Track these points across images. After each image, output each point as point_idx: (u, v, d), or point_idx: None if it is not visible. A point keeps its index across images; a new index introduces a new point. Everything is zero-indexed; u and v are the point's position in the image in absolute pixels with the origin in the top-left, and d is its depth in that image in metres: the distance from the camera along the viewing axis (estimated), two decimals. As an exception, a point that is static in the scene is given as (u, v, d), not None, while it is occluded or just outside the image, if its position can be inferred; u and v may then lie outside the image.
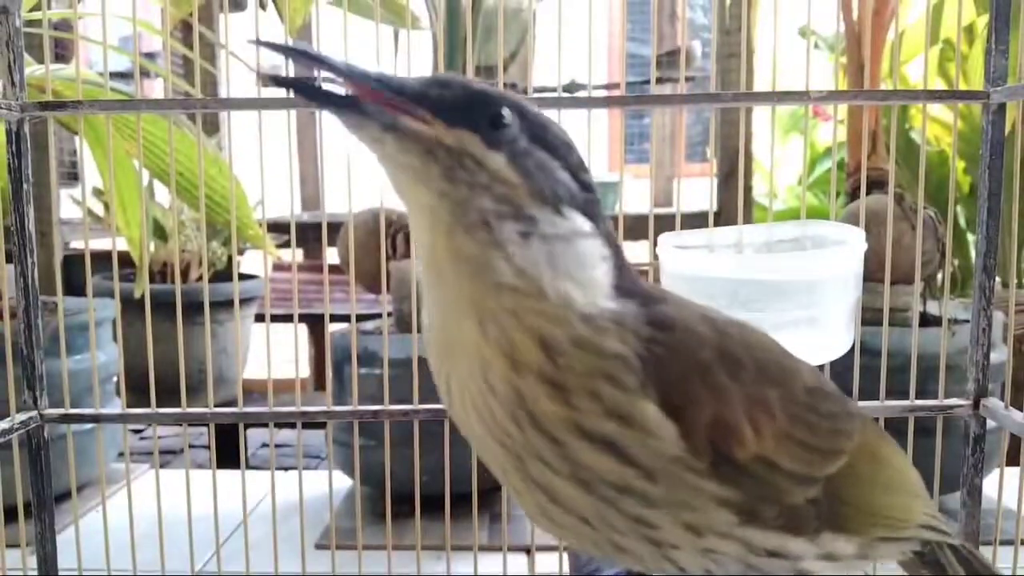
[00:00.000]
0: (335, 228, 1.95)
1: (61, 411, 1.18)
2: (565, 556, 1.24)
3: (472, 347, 0.46)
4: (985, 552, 1.16)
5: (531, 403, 0.45)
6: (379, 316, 2.12)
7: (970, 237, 2.92)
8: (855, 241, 0.96)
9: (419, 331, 1.25)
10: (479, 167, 0.45)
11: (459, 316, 0.46)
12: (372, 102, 0.44)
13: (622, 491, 0.46)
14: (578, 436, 0.45)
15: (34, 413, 1.16)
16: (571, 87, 2.77)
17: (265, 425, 1.24)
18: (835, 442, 0.53)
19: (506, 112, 0.46)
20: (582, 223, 0.48)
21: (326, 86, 0.45)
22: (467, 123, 0.45)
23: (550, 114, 1.25)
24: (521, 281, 0.45)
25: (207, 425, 1.24)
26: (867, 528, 0.54)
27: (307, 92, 0.45)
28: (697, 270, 0.92)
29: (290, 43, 0.46)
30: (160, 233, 2.90)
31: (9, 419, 1.13)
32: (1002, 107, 1.12)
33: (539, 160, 0.47)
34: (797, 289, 0.91)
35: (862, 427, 0.56)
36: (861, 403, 1.17)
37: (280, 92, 1.26)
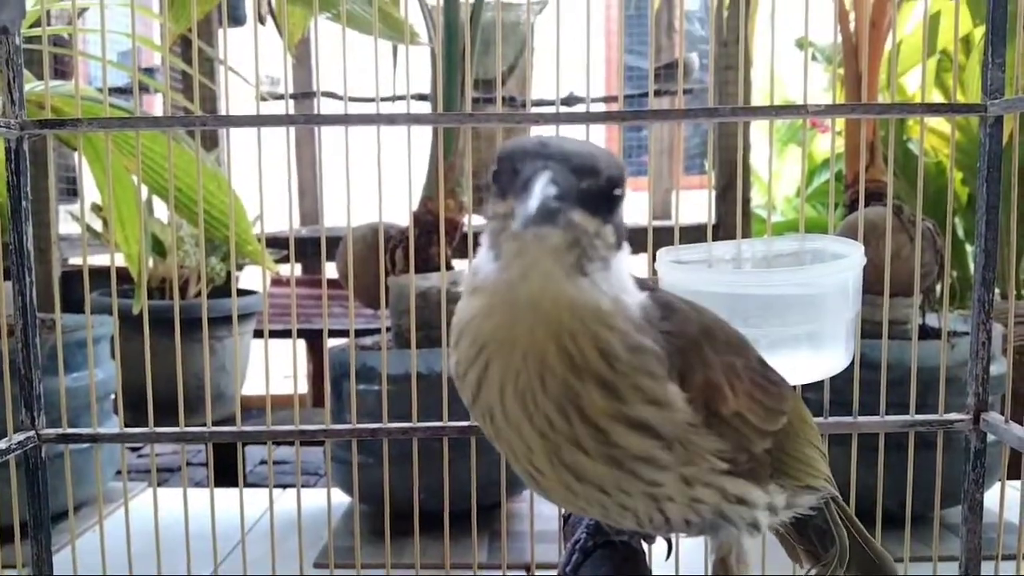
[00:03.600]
0: (334, 243, 1.95)
1: (59, 431, 1.18)
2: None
3: (536, 347, 0.52)
4: (987, 567, 1.16)
5: (584, 400, 0.53)
6: (378, 331, 2.12)
7: (969, 248, 2.91)
8: (854, 255, 0.95)
9: (418, 346, 1.25)
10: (599, 242, 0.52)
11: (533, 318, 0.52)
12: (563, 210, 0.49)
13: (644, 461, 0.55)
14: (621, 424, 0.53)
15: (31, 433, 1.15)
16: (569, 100, 2.78)
17: (264, 442, 1.23)
18: (780, 403, 0.64)
19: (619, 191, 0.53)
20: (626, 248, 0.56)
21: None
22: (599, 209, 0.51)
23: (548, 131, 1.25)
24: (604, 305, 0.52)
25: (205, 443, 1.24)
26: (800, 475, 0.65)
27: None
28: (696, 285, 0.91)
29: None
30: (159, 249, 2.90)
31: (6, 439, 1.12)
32: (999, 119, 1.12)
33: (619, 216, 0.54)
34: (797, 304, 0.90)
35: (791, 393, 0.67)
36: (862, 418, 1.17)
37: (279, 108, 1.26)
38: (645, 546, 0.74)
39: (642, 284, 0.58)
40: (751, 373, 0.62)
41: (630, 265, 0.57)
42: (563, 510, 0.82)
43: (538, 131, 1.24)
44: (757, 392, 0.61)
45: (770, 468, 0.62)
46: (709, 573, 0.65)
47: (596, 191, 0.51)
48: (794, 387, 0.71)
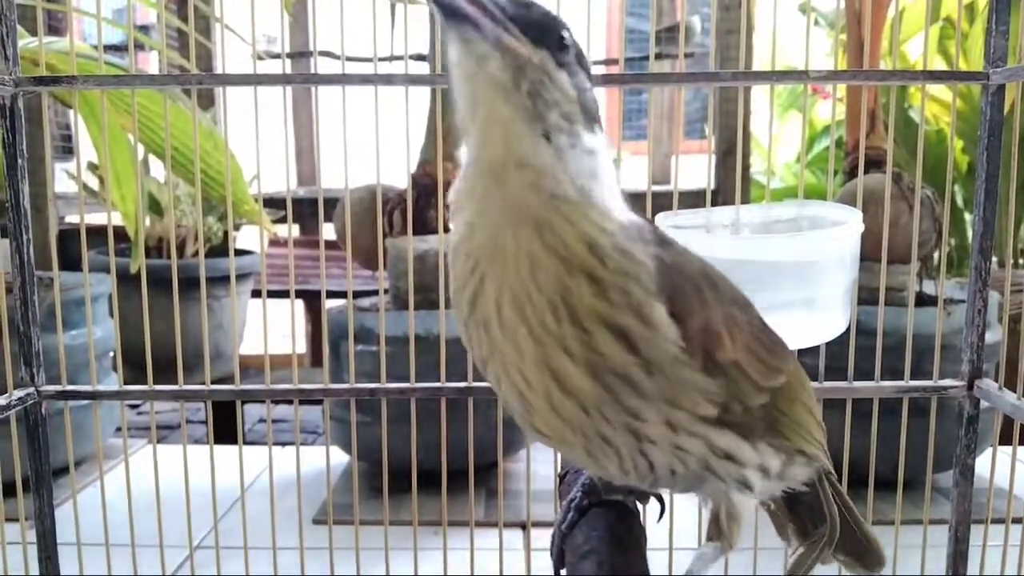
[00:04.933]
0: (332, 204, 1.94)
1: (58, 388, 1.18)
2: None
3: (523, 250, 0.53)
4: (977, 531, 1.18)
5: (576, 298, 0.53)
6: (376, 293, 2.12)
7: (967, 216, 2.91)
8: (852, 222, 0.95)
9: (416, 308, 1.25)
10: (552, 85, 0.52)
11: (513, 222, 0.52)
12: (486, 19, 0.49)
13: (623, 380, 0.54)
14: (604, 327, 0.53)
15: (31, 390, 1.16)
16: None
17: (262, 401, 1.24)
18: (779, 362, 0.64)
19: (567, 35, 0.53)
20: (605, 138, 0.56)
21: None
22: (544, 43, 0.51)
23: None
24: (575, 191, 0.52)
25: (205, 401, 1.24)
26: (794, 436, 0.65)
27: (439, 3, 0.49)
28: (694, 250, 0.91)
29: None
30: (155, 208, 2.89)
31: (7, 395, 1.13)
32: (1001, 88, 1.11)
33: (582, 80, 0.54)
34: (794, 270, 0.91)
35: (792, 358, 0.67)
36: (856, 384, 1.18)
37: (276, 67, 1.25)
38: (640, 507, 0.74)
39: (638, 213, 0.57)
40: (752, 329, 0.61)
41: (612, 166, 0.56)
42: (559, 469, 0.83)
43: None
44: (757, 347, 0.61)
45: (763, 424, 0.62)
46: (703, 535, 0.66)
47: (535, 20, 0.51)
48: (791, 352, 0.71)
